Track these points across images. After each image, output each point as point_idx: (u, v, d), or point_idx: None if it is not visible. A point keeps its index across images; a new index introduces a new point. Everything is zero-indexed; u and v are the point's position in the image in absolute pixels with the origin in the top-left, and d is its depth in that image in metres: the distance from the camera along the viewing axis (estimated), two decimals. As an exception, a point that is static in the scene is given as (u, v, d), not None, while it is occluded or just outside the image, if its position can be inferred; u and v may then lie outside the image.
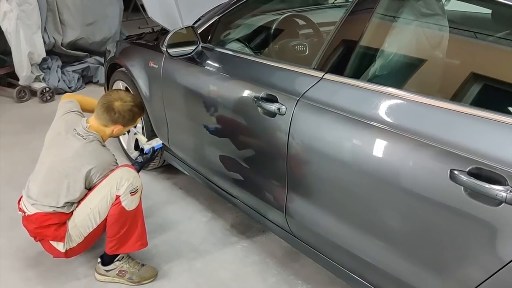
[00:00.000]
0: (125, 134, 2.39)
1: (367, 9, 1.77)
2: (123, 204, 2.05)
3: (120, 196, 2.03)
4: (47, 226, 2.08)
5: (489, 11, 1.84)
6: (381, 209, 1.57)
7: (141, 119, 2.94)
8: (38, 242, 2.21)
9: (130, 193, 2.05)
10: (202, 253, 2.44)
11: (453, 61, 1.87)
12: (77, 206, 2.11)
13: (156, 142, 2.69)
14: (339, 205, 1.74)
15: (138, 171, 2.27)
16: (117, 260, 2.22)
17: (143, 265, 2.27)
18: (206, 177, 2.59)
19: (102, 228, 2.12)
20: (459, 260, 1.38)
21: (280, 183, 1.95)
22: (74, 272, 2.30)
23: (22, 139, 3.87)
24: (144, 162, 2.52)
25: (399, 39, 1.84)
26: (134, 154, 3.19)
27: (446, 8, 1.81)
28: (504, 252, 1.26)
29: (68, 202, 2.08)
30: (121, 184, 2.03)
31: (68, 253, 2.16)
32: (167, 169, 3.20)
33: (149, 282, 2.24)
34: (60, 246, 2.12)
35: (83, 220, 2.08)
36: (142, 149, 2.62)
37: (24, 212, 2.13)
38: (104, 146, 2.20)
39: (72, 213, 2.11)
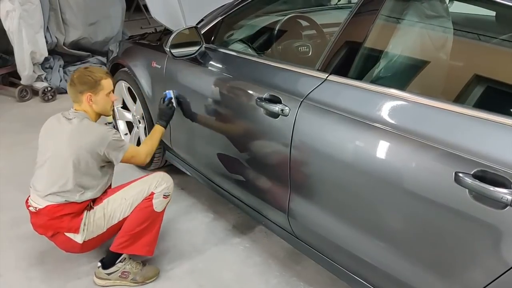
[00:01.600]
0: (109, 111, 2.30)
1: (371, 11, 1.77)
2: (153, 201, 2.15)
3: (154, 193, 2.15)
4: (60, 217, 2.07)
5: (493, 13, 1.84)
6: (384, 211, 1.57)
7: (143, 118, 2.94)
8: (49, 239, 2.17)
9: (163, 195, 2.18)
10: (204, 254, 2.44)
11: (457, 63, 1.87)
12: (105, 197, 2.18)
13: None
14: (342, 206, 1.74)
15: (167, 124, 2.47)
16: (119, 262, 2.21)
17: (144, 265, 2.27)
18: (208, 177, 2.59)
19: (121, 225, 2.15)
20: (463, 263, 1.38)
21: (283, 184, 1.94)
22: (76, 271, 2.30)
23: (23, 138, 3.87)
24: (163, 110, 2.50)
25: (403, 41, 1.84)
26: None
27: (450, 10, 1.81)
28: (508, 255, 1.25)
29: (79, 186, 2.08)
30: (160, 184, 2.18)
31: (85, 245, 2.14)
32: (169, 170, 3.18)
33: (151, 282, 2.24)
34: (77, 238, 2.11)
35: (115, 209, 2.14)
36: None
37: (35, 208, 2.11)
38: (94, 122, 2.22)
39: (86, 203, 2.12)
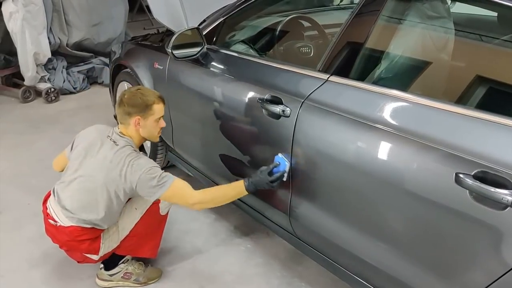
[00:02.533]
0: (156, 138, 2.21)
1: (372, 11, 1.77)
2: (160, 205, 2.14)
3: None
4: (82, 241, 2.02)
5: (495, 13, 1.84)
6: (385, 212, 1.57)
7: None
8: (61, 248, 2.16)
9: None
10: (206, 255, 2.44)
11: (458, 63, 1.87)
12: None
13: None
14: (343, 207, 1.74)
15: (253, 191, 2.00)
16: (122, 263, 2.22)
17: (147, 266, 2.27)
18: (210, 178, 2.59)
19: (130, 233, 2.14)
20: (463, 264, 1.38)
21: (284, 185, 1.94)
22: (77, 273, 2.30)
23: (26, 139, 3.89)
24: (263, 181, 1.95)
25: (405, 42, 1.84)
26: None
27: (452, 10, 1.81)
28: (509, 256, 1.25)
29: (107, 215, 2.01)
30: None
31: (99, 259, 2.14)
32: (171, 170, 3.18)
33: (153, 282, 2.24)
34: (94, 257, 2.10)
35: (126, 221, 2.11)
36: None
37: (56, 222, 2.04)
38: (136, 151, 2.07)
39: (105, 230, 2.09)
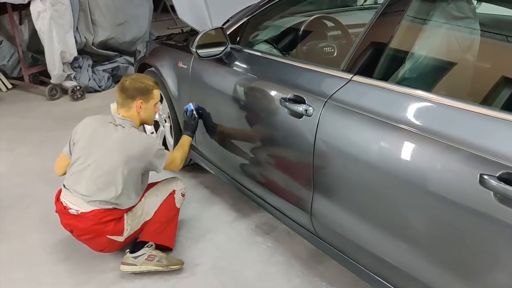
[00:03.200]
0: (152, 121, 2.47)
1: (397, 12, 1.77)
2: (175, 196, 2.40)
3: (176, 191, 2.41)
4: (106, 222, 2.16)
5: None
6: (407, 212, 1.56)
7: (169, 117, 2.98)
8: (82, 240, 2.28)
9: (181, 194, 2.45)
10: (227, 252, 2.46)
11: (484, 64, 1.85)
12: (139, 200, 2.30)
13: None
14: (365, 207, 1.74)
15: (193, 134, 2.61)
16: (147, 246, 2.28)
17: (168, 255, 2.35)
18: (231, 176, 2.61)
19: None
20: (486, 266, 1.36)
21: (306, 184, 1.95)
22: (101, 266, 2.35)
23: (53, 136, 3.98)
24: (187, 123, 2.62)
25: (430, 42, 1.83)
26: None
27: (477, 11, 1.79)
28: (534, 258, 1.24)
29: (126, 193, 2.18)
30: (179, 184, 2.46)
31: (124, 242, 2.29)
32: (194, 168, 3.23)
33: (175, 269, 2.29)
34: (120, 238, 2.24)
35: (150, 205, 2.31)
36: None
37: (77, 211, 2.16)
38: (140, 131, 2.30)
39: (129, 209, 2.24)
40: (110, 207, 2.15)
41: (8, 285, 2.26)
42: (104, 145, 2.18)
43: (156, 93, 2.36)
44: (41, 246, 2.53)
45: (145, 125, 3.40)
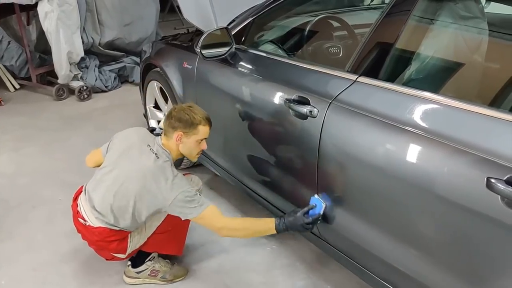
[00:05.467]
0: (194, 158, 2.20)
1: (403, 11, 1.74)
2: None
3: None
4: (110, 241, 2.06)
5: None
6: (414, 216, 1.54)
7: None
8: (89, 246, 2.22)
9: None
10: (232, 254, 2.45)
11: (492, 65, 1.81)
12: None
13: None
14: (370, 210, 1.71)
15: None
16: (149, 260, 2.24)
17: (173, 264, 2.30)
18: (236, 178, 2.60)
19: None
20: (495, 271, 1.34)
21: (311, 186, 1.93)
22: (106, 269, 2.34)
23: (60, 136, 3.99)
24: (296, 224, 1.91)
25: (436, 42, 1.80)
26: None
27: (486, 10, 1.76)
28: (542, 264, 1.21)
29: (134, 220, 2.03)
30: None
31: (127, 257, 2.18)
32: (199, 169, 3.22)
33: (180, 280, 2.27)
34: (121, 256, 2.14)
35: (153, 217, 2.10)
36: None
37: (85, 222, 2.07)
38: (174, 169, 2.05)
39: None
40: (117, 229, 2.05)
41: (13, 285, 2.26)
42: (132, 167, 2.02)
43: (202, 129, 2.07)
44: (46, 247, 2.53)
45: (150, 123, 3.41)
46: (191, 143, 2.09)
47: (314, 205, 1.86)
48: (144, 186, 1.96)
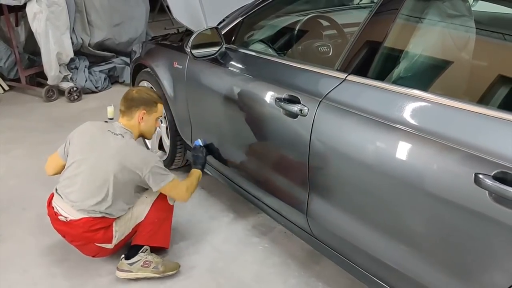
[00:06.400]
0: (151, 135, 2.45)
1: (391, 10, 1.76)
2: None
3: None
4: (96, 230, 2.13)
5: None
6: (403, 212, 1.55)
7: (165, 118, 2.98)
8: (74, 245, 2.27)
9: None
10: (224, 253, 2.45)
11: (480, 63, 1.84)
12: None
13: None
14: (361, 207, 1.73)
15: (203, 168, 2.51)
16: (141, 252, 2.26)
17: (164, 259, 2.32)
18: (228, 177, 2.60)
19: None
20: (483, 266, 1.36)
21: (302, 185, 1.94)
22: (97, 269, 2.34)
23: (50, 137, 3.96)
24: (195, 156, 2.57)
25: (424, 41, 1.82)
26: (159, 153, 3.22)
27: (473, 9, 1.78)
28: (530, 258, 1.23)
29: (116, 203, 2.14)
30: None
31: (114, 248, 2.25)
32: (190, 169, 3.22)
33: (172, 274, 2.27)
34: (109, 246, 2.21)
35: (140, 208, 2.26)
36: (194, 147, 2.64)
37: (66, 218, 2.15)
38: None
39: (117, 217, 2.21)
40: (100, 215, 2.13)
41: (4, 287, 2.25)
42: (100, 153, 2.14)
43: (160, 107, 2.35)
44: (37, 248, 2.51)
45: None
46: (151, 121, 2.34)
47: (195, 144, 2.61)
48: (120, 162, 2.11)
